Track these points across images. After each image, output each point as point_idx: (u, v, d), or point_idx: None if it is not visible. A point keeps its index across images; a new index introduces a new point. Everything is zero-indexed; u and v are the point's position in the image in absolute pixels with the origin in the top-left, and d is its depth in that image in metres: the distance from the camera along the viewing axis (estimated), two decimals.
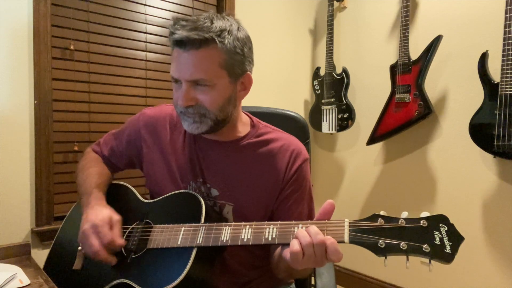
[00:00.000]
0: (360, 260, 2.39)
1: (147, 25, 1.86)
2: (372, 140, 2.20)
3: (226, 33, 0.83)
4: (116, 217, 0.88)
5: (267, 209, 0.95)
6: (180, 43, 0.82)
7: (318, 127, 2.43)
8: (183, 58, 0.83)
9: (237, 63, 0.87)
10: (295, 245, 0.69)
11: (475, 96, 1.78)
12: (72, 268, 0.90)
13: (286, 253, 0.72)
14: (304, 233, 0.69)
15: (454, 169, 1.99)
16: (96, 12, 1.69)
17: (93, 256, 0.82)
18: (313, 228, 0.69)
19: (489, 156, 1.81)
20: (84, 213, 0.89)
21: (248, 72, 0.91)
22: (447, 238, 0.64)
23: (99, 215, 0.85)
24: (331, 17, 2.36)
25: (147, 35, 1.86)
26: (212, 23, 0.82)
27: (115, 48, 1.76)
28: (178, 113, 0.92)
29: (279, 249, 0.87)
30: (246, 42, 0.89)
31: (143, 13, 1.84)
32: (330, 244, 0.67)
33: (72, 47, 1.62)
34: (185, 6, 2.00)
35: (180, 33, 0.81)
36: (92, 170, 1.03)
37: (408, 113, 2.01)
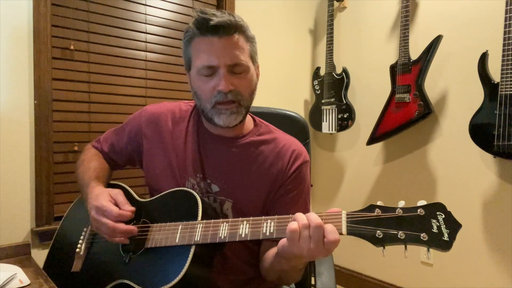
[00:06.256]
0: (360, 260, 2.39)
1: (147, 25, 1.86)
2: (372, 140, 2.20)
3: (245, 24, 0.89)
4: (115, 190, 0.89)
5: (265, 207, 0.95)
6: (215, 30, 0.84)
7: (318, 127, 2.43)
8: (218, 44, 0.85)
9: (255, 51, 0.93)
10: (293, 224, 0.69)
11: (475, 96, 1.78)
12: (71, 270, 0.90)
13: (281, 242, 0.73)
14: (302, 216, 0.70)
15: (454, 169, 1.99)
16: (96, 12, 1.69)
17: (112, 234, 0.82)
18: (312, 215, 0.70)
19: (489, 156, 1.81)
20: (87, 204, 0.89)
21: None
22: (444, 226, 0.64)
23: (98, 198, 0.86)
24: (331, 17, 2.36)
25: (147, 35, 1.86)
26: (231, 15, 0.86)
27: (115, 48, 1.76)
28: (210, 109, 0.89)
29: (272, 250, 0.87)
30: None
31: (143, 13, 1.84)
32: (329, 225, 0.68)
33: (72, 47, 1.62)
34: (185, 6, 2.00)
35: (217, 19, 0.83)
36: (91, 165, 1.02)
37: (408, 113, 2.01)
